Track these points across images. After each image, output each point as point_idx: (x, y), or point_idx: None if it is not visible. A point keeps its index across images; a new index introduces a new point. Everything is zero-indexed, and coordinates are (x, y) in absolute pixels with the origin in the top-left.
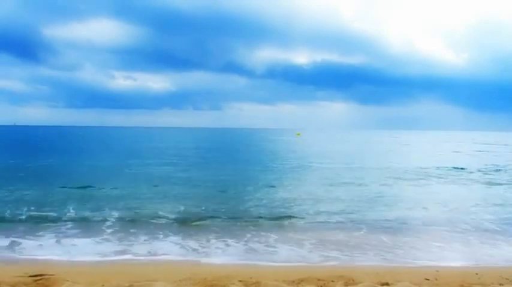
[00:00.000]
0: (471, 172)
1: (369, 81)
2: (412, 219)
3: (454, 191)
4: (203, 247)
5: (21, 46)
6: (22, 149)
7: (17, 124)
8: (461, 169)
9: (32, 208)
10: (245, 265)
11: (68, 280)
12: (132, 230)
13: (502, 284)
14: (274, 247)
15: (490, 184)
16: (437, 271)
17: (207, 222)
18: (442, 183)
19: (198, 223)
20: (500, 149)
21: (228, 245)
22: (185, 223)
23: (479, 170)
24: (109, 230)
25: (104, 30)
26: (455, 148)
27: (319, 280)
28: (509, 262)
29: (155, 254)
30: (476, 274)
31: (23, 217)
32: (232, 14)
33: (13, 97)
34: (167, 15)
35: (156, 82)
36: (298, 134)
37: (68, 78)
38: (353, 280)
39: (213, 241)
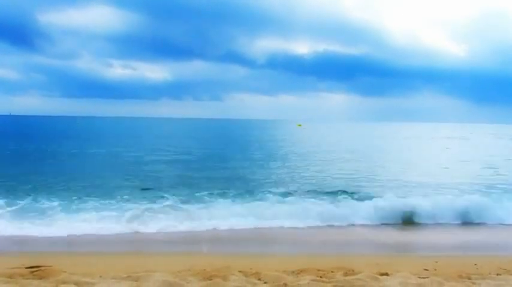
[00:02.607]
0: None
1: (370, 73)
2: None
3: None
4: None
5: (16, 33)
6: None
7: (12, 114)
8: None
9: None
10: (245, 255)
11: (65, 271)
12: (132, 221)
13: (500, 274)
14: None
15: None
16: (436, 261)
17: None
18: None
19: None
20: None
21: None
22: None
23: None
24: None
25: (101, 17)
26: None
27: (319, 270)
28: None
29: (154, 244)
30: (475, 264)
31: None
32: (233, 1)
33: (7, 86)
34: (166, 3)
35: (155, 72)
36: (299, 125)
37: (64, 67)
38: (353, 271)
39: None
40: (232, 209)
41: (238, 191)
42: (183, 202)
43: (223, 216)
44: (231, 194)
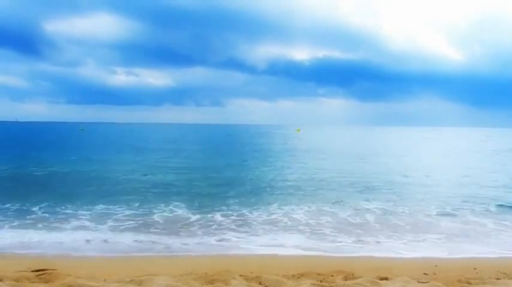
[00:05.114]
0: None
1: (369, 78)
2: None
3: None
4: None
5: (23, 42)
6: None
7: (18, 120)
8: None
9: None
10: (246, 259)
11: (70, 275)
12: (135, 224)
13: (500, 279)
14: None
15: None
16: (436, 265)
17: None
18: None
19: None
20: None
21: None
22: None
23: None
24: (112, 225)
25: (105, 25)
26: None
27: (319, 274)
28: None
29: (156, 248)
30: (475, 268)
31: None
32: (233, 9)
33: (14, 93)
34: (168, 11)
35: (157, 78)
36: (298, 130)
37: (70, 74)
38: (352, 275)
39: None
40: None
41: None
42: None
43: None
44: None
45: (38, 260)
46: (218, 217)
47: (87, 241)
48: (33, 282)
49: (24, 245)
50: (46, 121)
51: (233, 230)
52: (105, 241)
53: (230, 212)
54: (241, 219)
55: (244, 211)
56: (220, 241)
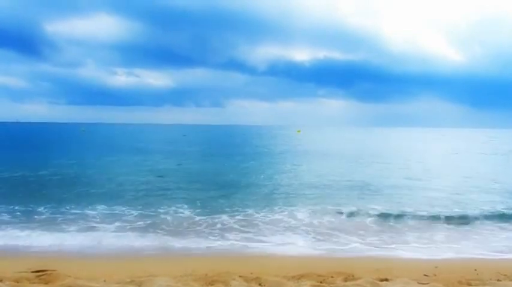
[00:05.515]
0: None
1: (369, 79)
2: None
3: None
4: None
5: (24, 43)
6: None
7: (19, 121)
8: None
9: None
10: (245, 258)
11: (70, 276)
12: (137, 225)
13: (500, 280)
14: None
15: None
16: (436, 267)
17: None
18: None
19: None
20: None
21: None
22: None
23: None
24: (113, 226)
25: (105, 26)
26: None
27: (319, 275)
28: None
29: (157, 249)
30: (475, 270)
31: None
32: (233, 10)
33: (14, 94)
34: (168, 12)
35: (157, 79)
36: (299, 131)
37: (70, 75)
38: (353, 276)
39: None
40: None
41: None
42: None
43: None
44: None
45: (38, 261)
46: (222, 217)
47: (88, 241)
48: (33, 283)
49: (25, 246)
50: (47, 122)
51: (237, 230)
52: (106, 241)
53: (234, 213)
54: (245, 220)
55: (248, 212)
56: (223, 241)
